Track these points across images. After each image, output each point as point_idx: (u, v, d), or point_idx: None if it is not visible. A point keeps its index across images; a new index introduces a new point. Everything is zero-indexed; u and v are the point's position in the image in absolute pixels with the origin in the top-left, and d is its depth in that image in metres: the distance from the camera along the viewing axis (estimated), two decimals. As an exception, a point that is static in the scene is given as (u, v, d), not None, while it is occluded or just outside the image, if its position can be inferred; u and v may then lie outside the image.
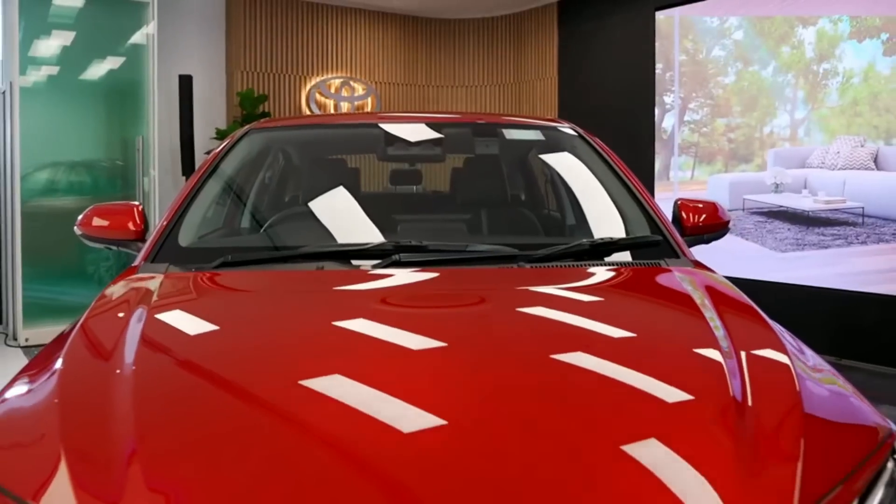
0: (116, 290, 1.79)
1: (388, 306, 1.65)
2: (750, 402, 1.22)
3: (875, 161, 5.21)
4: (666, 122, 6.66)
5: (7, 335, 6.20)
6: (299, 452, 1.10)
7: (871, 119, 5.23)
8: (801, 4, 5.61)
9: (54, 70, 6.51)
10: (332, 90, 7.85)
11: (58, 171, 6.76)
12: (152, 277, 1.83)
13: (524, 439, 1.13)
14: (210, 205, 2.32)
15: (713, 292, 1.73)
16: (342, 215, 2.33)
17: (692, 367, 1.37)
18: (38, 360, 1.47)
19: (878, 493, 1.16)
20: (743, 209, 6.02)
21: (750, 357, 1.37)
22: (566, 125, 2.70)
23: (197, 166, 6.59)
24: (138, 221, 2.26)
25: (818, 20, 5.51)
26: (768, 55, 5.85)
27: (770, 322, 1.59)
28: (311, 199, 2.41)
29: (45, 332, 5.96)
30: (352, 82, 7.99)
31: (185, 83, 6.46)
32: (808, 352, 1.53)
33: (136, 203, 2.35)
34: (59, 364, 1.37)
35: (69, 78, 6.57)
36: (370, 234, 2.14)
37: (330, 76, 7.87)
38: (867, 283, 5.24)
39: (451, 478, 1.03)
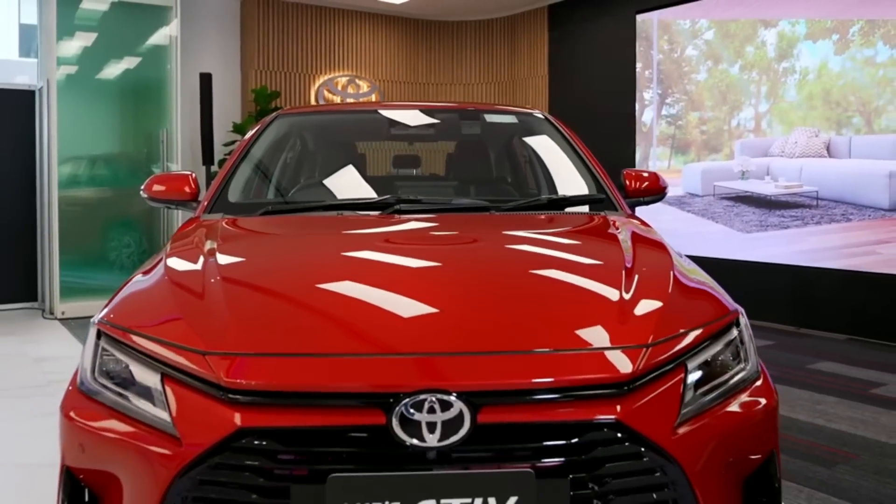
0: (188, 229, 2.39)
1: (391, 234, 2.25)
2: (635, 278, 1.82)
3: (828, 149, 5.80)
4: (645, 115, 7.25)
5: (44, 310, 6.81)
6: (333, 309, 1.72)
7: (824, 112, 5.82)
8: (763, 8, 6.21)
9: (84, 69, 7.09)
10: (339, 87, 8.45)
11: (87, 164, 7.35)
12: (214, 221, 2.42)
13: (482, 300, 1.75)
14: (250, 172, 2.91)
15: (634, 230, 2.31)
16: (356, 181, 2.94)
17: (601, 261, 1.99)
18: (144, 270, 2.07)
19: (718, 346, 1.74)
20: (713, 195, 6.61)
21: (642, 257, 1.98)
22: (537, 111, 3.29)
23: (215, 157, 7.19)
24: (193, 186, 2.85)
25: (778, 22, 6.10)
26: (735, 54, 6.44)
27: (669, 247, 2.17)
28: (331, 168, 3.02)
29: (77, 307, 6.58)
30: (357, 80, 8.58)
31: (206, 81, 7.05)
32: (692, 265, 2.12)
33: (191, 172, 2.94)
34: (162, 264, 1.97)
35: (98, 76, 7.16)
36: (377, 193, 2.74)
37: (337, 74, 8.47)
38: (821, 259, 5.83)
39: (432, 316, 1.66)
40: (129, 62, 7.25)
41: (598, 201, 2.68)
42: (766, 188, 6.20)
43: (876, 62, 5.48)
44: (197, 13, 7.72)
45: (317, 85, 8.35)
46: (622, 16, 7.39)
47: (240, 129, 7.67)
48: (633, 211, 2.84)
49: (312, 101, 8.34)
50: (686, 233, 6.63)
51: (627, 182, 2.93)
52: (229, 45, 8.05)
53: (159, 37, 7.23)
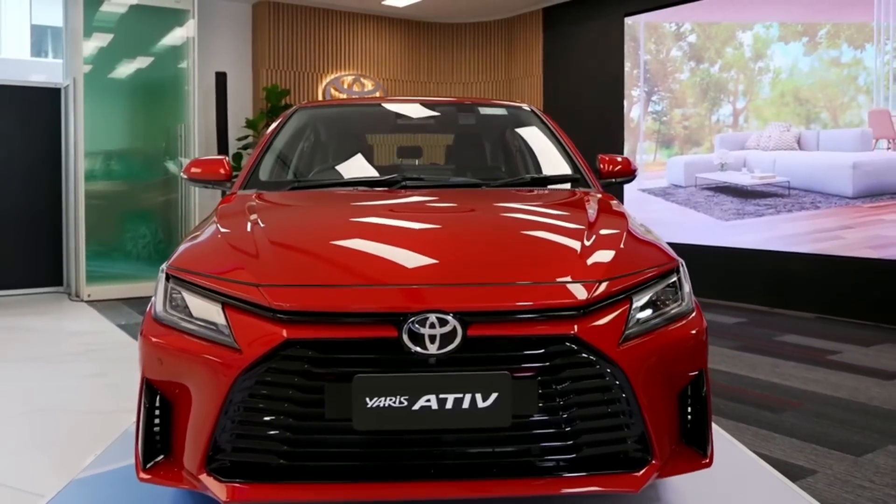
0: (230, 201, 2.85)
1: (398, 201, 2.72)
2: (595, 233, 2.29)
3: (798, 143, 6.26)
4: (633, 112, 7.71)
5: (70, 293, 7.28)
6: (356, 253, 2.19)
7: (795, 108, 6.28)
8: (740, 12, 6.67)
9: (106, 68, 7.55)
10: (345, 86, 8.92)
11: (109, 158, 7.81)
12: (250, 194, 2.89)
13: (472, 246, 2.23)
14: (276, 156, 3.38)
15: (600, 201, 2.77)
16: (367, 163, 3.41)
17: (569, 220, 2.47)
18: (196, 231, 2.53)
19: (659, 286, 2.21)
20: (695, 186, 7.07)
21: (603, 219, 2.45)
22: (525, 105, 3.76)
23: (230, 151, 7.65)
24: (227, 168, 3.31)
25: (754, 25, 6.57)
26: (715, 55, 6.91)
27: (627, 213, 2.64)
28: (345, 153, 3.49)
29: (100, 290, 7.06)
30: (362, 79, 9.05)
31: (221, 79, 7.50)
32: (646, 227, 2.58)
33: (225, 156, 3.40)
34: (214, 225, 2.44)
35: (119, 75, 7.62)
36: (386, 173, 3.21)
37: (343, 73, 8.94)
38: (792, 244, 6.29)
39: (429, 260, 2.13)
40: (149, 62, 7.70)
41: (574, 180, 3.14)
42: (742, 179, 6.66)
43: (841, 62, 5.95)
44: (212, 15, 8.20)
45: (324, 83, 8.82)
46: (612, 19, 7.87)
47: (252, 124, 8.13)
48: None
49: (320, 98, 8.80)
50: (670, 221, 7.10)
51: (601, 165, 3.40)
52: (242, 45, 8.52)
53: (177, 38, 7.68)
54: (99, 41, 7.41)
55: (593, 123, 7.92)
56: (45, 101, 7.52)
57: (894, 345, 5.05)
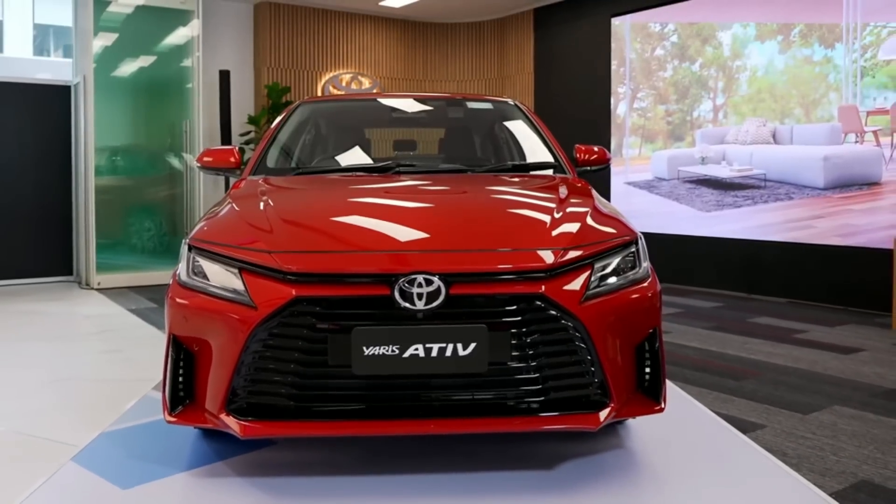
0: (242, 185, 3.18)
1: (392, 184, 3.05)
2: (564, 209, 2.62)
3: (773, 137, 6.60)
4: (619, 108, 8.05)
5: (79, 282, 7.60)
6: (354, 224, 2.52)
7: (770, 104, 6.62)
8: (719, 12, 7.01)
9: (114, 66, 7.86)
10: (344, 83, 9.24)
11: (116, 154, 8.11)
12: (258, 179, 3.22)
13: (455, 218, 2.55)
14: (281, 146, 3.70)
15: (572, 184, 3.10)
16: (365, 152, 3.74)
17: (542, 198, 2.79)
18: (213, 211, 2.86)
19: (619, 255, 2.54)
20: (678, 178, 7.40)
21: (573, 198, 2.78)
22: (509, 99, 4.09)
23: (233, 145, 7.95)
24: (237, 157, 3.63)
25: (732, 25, 6.90)
26: (696, 54, 7.25)
27: (595, 194, 2.97)
28: (345, 142, 3.82)
29: (108, 279, 7.37)
30: (360, 77, 9.38)
31: (224, 77, 7.82)
32: (612, 206, 2.91)
33: (234, 146, 3.72)
34: (229, 204, 2.77)
35: (126, 73, 7.93)
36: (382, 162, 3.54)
37: (341, 72, 9.27)
38: (767, 233, 6.63)
39: (423, 233, 2.46)
40: (155, 60, 8.00)
41: (552, 167, 3.47)
42: (722, 172, 7.00)
43: (813, 60, 6.29)
44: (215, 15, 8.52)
45: (323, 81, 9.14)
46: (599, 19, 8.20)
47: (254, 120, 8.45)
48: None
49: (319, 95, 9.11)
50: (655, 213, 7.43)
51: (578, 154, 3.73)
52: (244, 44, 8.85)
53: (181, 37, 7.99)
54: (106, 40, 7.70)
55: (582, 119, 8.26)
56: (55, 98, 7.82)
57: (857, 325, 5.39)
